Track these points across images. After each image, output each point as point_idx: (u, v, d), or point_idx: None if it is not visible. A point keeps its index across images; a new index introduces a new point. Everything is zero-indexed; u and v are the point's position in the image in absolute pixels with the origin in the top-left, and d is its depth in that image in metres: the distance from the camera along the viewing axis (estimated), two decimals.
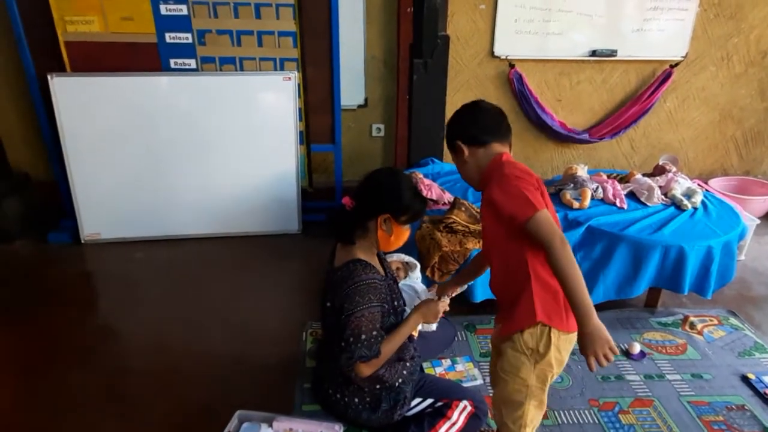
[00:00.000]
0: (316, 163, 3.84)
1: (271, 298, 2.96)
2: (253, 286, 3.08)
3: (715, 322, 2.75)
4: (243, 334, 2.63)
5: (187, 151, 3.38)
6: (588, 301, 1.33)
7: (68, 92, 3.17)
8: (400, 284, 2.12)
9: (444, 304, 1.90)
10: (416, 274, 2.21)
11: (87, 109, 3.22)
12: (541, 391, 1.55)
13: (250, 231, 3.59)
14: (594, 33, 3.75)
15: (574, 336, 1.49)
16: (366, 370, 1.72)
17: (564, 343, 1.51)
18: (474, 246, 2.51)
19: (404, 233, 1.80)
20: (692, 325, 2.70)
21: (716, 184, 4.04)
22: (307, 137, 3.57)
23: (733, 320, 2.77)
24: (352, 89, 3.74)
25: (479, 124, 1.61)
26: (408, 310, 2.04)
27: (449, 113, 3.87)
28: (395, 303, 1.85)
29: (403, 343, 1.85)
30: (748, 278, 3.18)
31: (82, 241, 3.47)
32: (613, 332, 2.66)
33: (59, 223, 3.59)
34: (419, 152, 3.60)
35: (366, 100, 3.83)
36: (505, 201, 1.42)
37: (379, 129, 3.94)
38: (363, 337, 1.67)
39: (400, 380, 1.87)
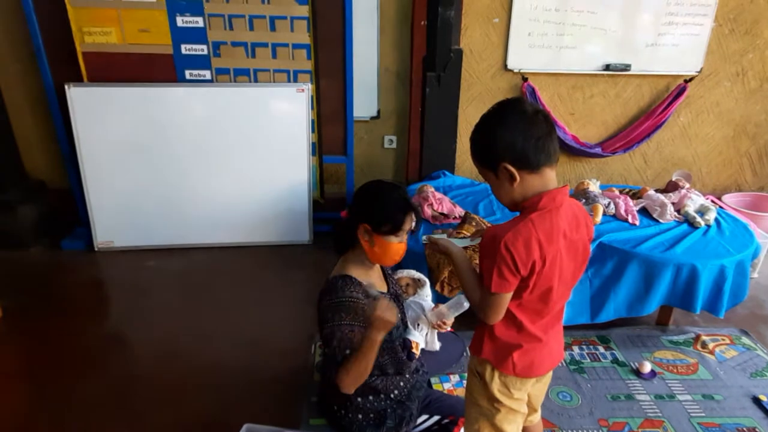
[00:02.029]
0: (328, 173, 3.86)
1: (281, 309, 2.97)
2: (263, 296, 3.09)
3: (727, 341, 2.72)
4: (252, 345, 2.64)
5: (200, 161, 3.42)
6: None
7: (85, 102, 3.22)
8: (408, 300, 2.11)
9: (391, 312, 1.65)
10: (425, 291, 2.20)
11: (103, 119, 3.27)
12: (493, 416, 1.50)
13: (261, 241, 3.61)
14: (608, 47, 3.74)
15: (527, 379, 1.47)
16: (345, 387, 1.69)
17: (513, 383, 1.46)
18: None
19: (391, 246, 1.75)
20: (704, 345, 2.68)
21: (730, 200, 4.00)
22: (319, 148, 3.60)
23: (745, 340, 2.73)
24: (365, 101, 3.76)
25: (532, 139, 1.26)
26: (415, 326, 2.05)
27: (462, 127, 3.94)
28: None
29: (396, 357, 1.85)
30: (761, 297, 3.15)
31: (96, 249, 3.52)
32: (623, 350, 2.69)
33: (74, 230, 3.64)
34: (431, 165, 3.61)
35: (379, 111, 3.84)
36: (483, 258, 1.35)
37: (391, 141, 3.96)
38: (339, 358, 1.67)
39: (395, 391, 1.86)
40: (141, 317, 2.87)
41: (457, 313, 1.95)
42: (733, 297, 2.64)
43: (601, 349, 2.64)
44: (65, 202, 3.67)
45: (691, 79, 3.82)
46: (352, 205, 1.81)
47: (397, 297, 2.00)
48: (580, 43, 3.72)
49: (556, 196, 1.30)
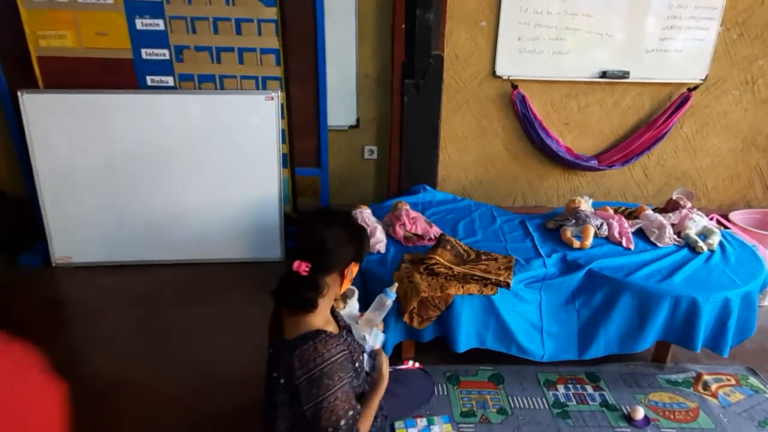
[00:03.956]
0: (305, 185, 3.61)
1: (246, 332, 2.72)
2: (227, 318, 2.86)
3: (733, 382, 2.43)
4: (207, 375, 2.41)
5: (163, 173, 3.19)
6: None
7: (39, 110, 3.01)
8: (343, 313, 1.89)
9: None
10: (353, 302, 1.98)
11: (59, 128, 3.05)
12: None
13: (228, 258, 3.37)
14: (605, 53, 3.48)
15: None
16: None
17: None
18: (457, 291, 2.24)
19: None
20: (706, 385, 2.39)
21: (737, 217, 3.70)
22: (291, 160, 3.35)
23: (753, 380, 2.45)
24: (343, 109, 3.52)
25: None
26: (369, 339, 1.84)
27: (446, 137, 3.69)
28: (356, 364, 1.60)
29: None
30: None
31: (53, 265, 3.29)
32: (614, 391, 2.41)
33: (34, 244, 3.41)
34: (410, 179, 3.36)
35: (358, 120, 3.60)
36: None
37: (371, 151, 3.71)
38: (342, 423, 1.43)
39: None
40: (89, 343, 2.65)
41: (383, 314, 1.87)
42: (739, 333, 2.36)
43: (590, 389, 2.37)
44: (27, 214, 3.44)
45: (695, 88, 3.54)
46: (322, 252, 1.53)
47: (348, 330, 1.76)
48: (574, 49, 3.45)
49: None
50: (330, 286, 1.56)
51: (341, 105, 3.49)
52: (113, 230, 3.27)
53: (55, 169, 3.12)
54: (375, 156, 3.74)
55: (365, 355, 1.79)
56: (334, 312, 1.77)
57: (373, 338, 1.84)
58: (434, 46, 3.04)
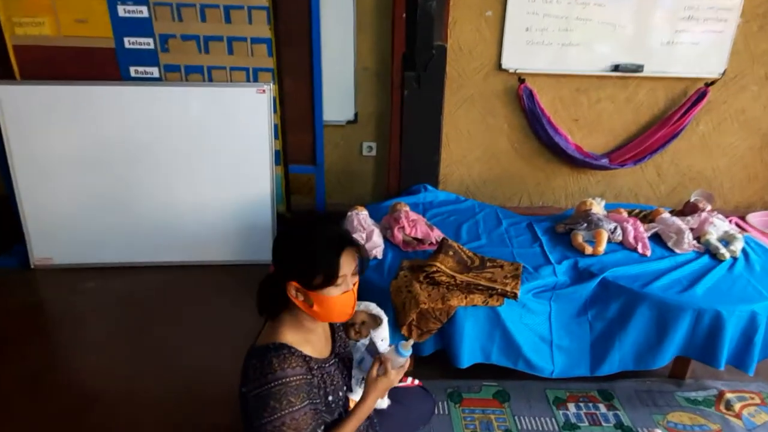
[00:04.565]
0: (300, 184, 3.43)
1: (236, 340, 2.52)
2: (216, 324, 2.69)
3: (758, 400, 2.25)
4: (197, 384, 2.27)
5: (148, 170, 3.01)
6: None
7: (16, 102, 2.83)
8: (358, 343, 1.67)
9: (400, 372, 1.47)
10: (381, 333, 1.72)
11: (37, 121, 2.87)
12: None
13: (217, 260, 3.19)
14: (617, 45, 3.27)
15: None
16: None
17: None
18: (459, 302, 2.06)
19: (335, 301, 1.35)
20: (728, 405, 2.21)
21: (755, 219, 3.52)
22: (284, 157, 3.17)
23: None
24: (340, 103, 3.33)
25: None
26: (361, 380, 1.61)
27: (450, 133, 3.49)
28: (329, 398, 1.42)
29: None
30: None
31: (32, 266, 3.12)
32: (630, 410, 2.22)
33: (11, 245, 3.23)
34: (411, 177, 3.17)
35: (356, 115, 3.41)
36: None
37: (370, 148, 3.52)
38: None
39: None
40: (69, 350, 2.51)
41: (399, 365, 1.52)
42: (765, 349, 2.17)
43: (603, 408, 2.18)
44: (4, 212, 3.26)
45: (712, 83, 3.34)
46: (274, 257, 1.39)
47: (342, 360, 1.57)
48: (585, 41, 3.26)
49: None
50: (293, 302, 1.37)
51: (338, 99, 3.30)
52: (96, 230, 3.09)
53: (34, 166, 2.94)
54: (374, 153, 3.55)
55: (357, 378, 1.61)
56: (335, 332, 1.59)
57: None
58: (437, 36, 2.85)
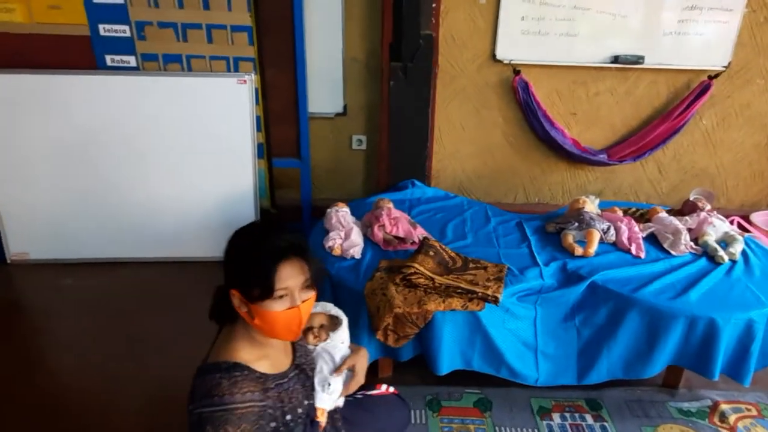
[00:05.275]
0: (286, 178, 3.32)
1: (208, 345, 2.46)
2: (196, 324, 2.53)
3: (754, 412, 2.13)
4: (175, 387, 2.14)
5: (126, 163, 2.92)
6: None
7: None
8: (318, 348, 1.56)
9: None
10: (340, 335, 1.61)
11: (10, 112, 2.79)
12: None
13: (199, 256, 3.09)
14: (617, 35, 3.13)
15: None
16: None
17: None
18: (437, 307, 1.95)
19: (277, 316, 1.23)
20: (723, 417, 2.09)
21: (760, 218, 3.37)
22: (267, 150, 3.06)
23: None
24: (328, 95, 3.21)
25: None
26: (324, 385, 1.50)
27: (442, 127, 3.36)
28: (288, 417, 1.32)
29: None
30: None
31: (8, 262, 3.04)
32: (618, 422, 2.10)
33: None
34: (399, 172, 3.04)
35: (345, 107, 3.29)
36: None
37: (360, 141, 3.40)
38: None
39: None
40: (44, 350, 2.43)
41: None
42: (762, 358, 2.05)
43: (589, 419, 2.07)
44: None
45: (716, 75, 3.19)
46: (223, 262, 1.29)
47: (304, 370, 1.47)
48: (583, 31, 3.11)
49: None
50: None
51: (326, 90, 3.18)
52: (74, 225, 3.01)
53: (8, 158, 2.85)
54: (364, 146, 3.43)
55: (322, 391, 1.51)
56: (296, 344, 1.48)
57: (335, 396, 1.52)
58: (424, 25, 2.71)
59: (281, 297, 1.22)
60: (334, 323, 1.60)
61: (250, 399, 1.21)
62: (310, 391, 1.47)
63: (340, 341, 1.58)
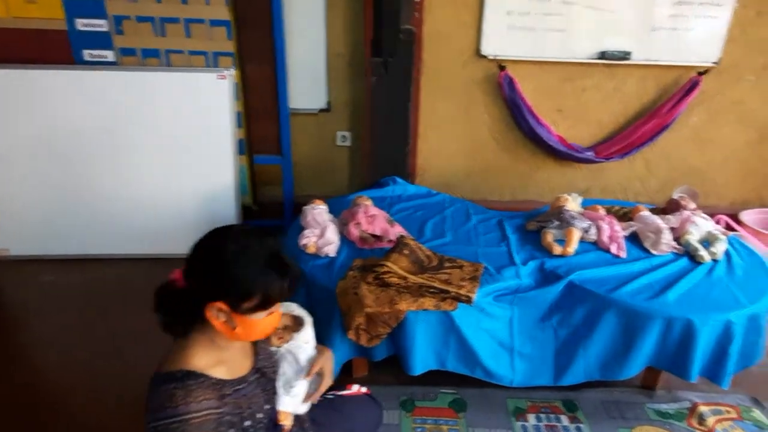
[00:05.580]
0: (269, 175, 3.28)
1: None
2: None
3: (733, 414, 2.09)
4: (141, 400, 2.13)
5: (105, 159, 2.89)
6: None
7: None
8: (281, 349, 1.53)
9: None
10: (304, 335, 1.58)
11: None
12: None
13: (180, 253, 2.99)
14: (604, 31, 3.08)
15: None
16: None
17: None
18: (408, 306, 1.91)
19: (260, 323, 1.23)
20: (701, 419, 2.05)
21: (749, 217, 3.33)
22: (249, 147, 3.02)
23: (756, 413, 2.10)
24: (311, 91, 3.17)
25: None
26: (287, 386, 1.47)
27: (426, 124, 3.31)
28: (246, 423, 1.28)
29: None
30: None
31: None
32: (594, 423, 2.07)
33: None
34: (381, 169, 3.01)
35: (329, 103, 3.25)
36: None
37: (344, 137, 3.36)
38: None
39: None
40: (23, 348, 2.41)
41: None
42: (742, 359, 2.02)
43: (565, 420, 2.04)
44: None
45: (706, 72, 3.14)
46: (190, 271, 1.22)
47: (265, 374, 1.43)
48: (570, 26, 3.06)
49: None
50: (208, 323, 1.22)
51: (309, 86, 3.14)
52: (54, 221, 2.98)
53: None
54: (349, 143, 3.39)
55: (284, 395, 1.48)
56: (258, 347, 1.45)
57: (298, 399, 1.50)
58: (405, 19, 2.67)
59: (270, 308, 1.22)
60: (297, 323, 1.57)
61: (207, 407, 1.17)
62: (271, 395, 1.44)
63: (304, 341, 1.55)
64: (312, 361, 1.52)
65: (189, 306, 1.22)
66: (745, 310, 1.94)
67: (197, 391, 1.16)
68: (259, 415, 1.34)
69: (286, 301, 1.61)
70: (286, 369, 1.51)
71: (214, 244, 1.21)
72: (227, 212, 3.01)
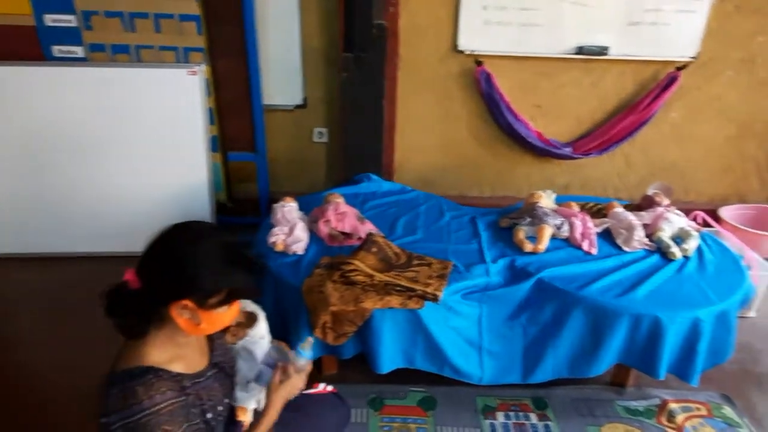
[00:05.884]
0: (244, 172, 3.25)
1: None
2: None
3: (704, 411, 2.08)
4: None
5: (76, 157, 2.85)
6: None
7: None
8: (236, 346, 1.52)
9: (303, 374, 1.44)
10: (258, 330, 1.57)
11: None
12: None
13: None
14: (582, 25, 3.05)
15: None
16: None
17: None
18: (374, 305, 1.89)
19: (224, 316, 1.23)
20: (671, 416, 2.04)
21: (728, 213, 3.32)
22: (222, 143, 2.99)
23: (727, 410, 2.09)
24: (287, 86, 3.14)
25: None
26: (244, 383, 1.47)
27: (403, 120, 3.28)
28: (208, 415, 1.26)
29: None
30: (757, 345, 2.49)
31: None
32: (563, 421, 2.06)
33: None
34: (356, 166, 2.98)
35: (305, 99, 3.21)
36: None
37: (321, 134, 3.33)
38: None
39: None
40: None
41: (301, 368, 1.45)
42: (711, 356, 2.01)
43: (534, 418, 2.02)
44: None
45: (684, 67, 3.12)
46: (146, 271, 1.19)
47: (223, 369, 1.41)
48: (547, 21, 3.04)
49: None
50: (168, 320, 1.20)
51: (284, 82, 3.10)
52: (21, 219, 2.94)
53: None
54: (326, 139, 3.36)
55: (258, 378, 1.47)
56: (214, 343, 1.42)
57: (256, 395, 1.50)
58: (377, 14, 2.64)
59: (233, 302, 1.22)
60: (250, 320, 1.56)
61: (171, 397, 1.16)
62: (229, 390, 1.43)
63: (259, 337, 1.55)
64: (269, 356, 1.51)
65: (147, 306, 1.19)
66: (714, 307, 1.93)
67: (158, 383, 1.15)
68: (219, 408, 1.33)
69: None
70: (241, 365, 1.51)
71: (171, 243, 1.20)
72: (201, 209, 2.98)
